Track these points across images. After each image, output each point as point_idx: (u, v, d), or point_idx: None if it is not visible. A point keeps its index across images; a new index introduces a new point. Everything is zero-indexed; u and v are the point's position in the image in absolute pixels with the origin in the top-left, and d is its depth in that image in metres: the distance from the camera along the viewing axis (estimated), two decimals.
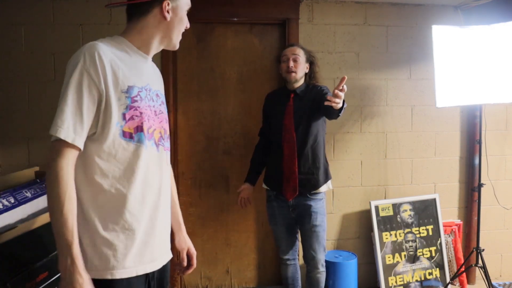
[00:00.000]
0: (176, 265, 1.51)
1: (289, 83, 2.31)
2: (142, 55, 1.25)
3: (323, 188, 2.28)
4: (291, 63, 2.27)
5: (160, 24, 1.23)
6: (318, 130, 2.27)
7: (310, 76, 2.36)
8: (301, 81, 2.33)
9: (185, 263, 1.44)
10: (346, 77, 1.73)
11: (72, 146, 1.08)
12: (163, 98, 1.33)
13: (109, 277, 1.13)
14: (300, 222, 2.31)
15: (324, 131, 2.35)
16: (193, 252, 1.46)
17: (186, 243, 1.45)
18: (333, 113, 2.00)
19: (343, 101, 1.88)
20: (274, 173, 2.34)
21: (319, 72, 2.39)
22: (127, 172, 1.15)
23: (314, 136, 2.25)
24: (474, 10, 2.91)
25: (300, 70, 2.29)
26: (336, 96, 1.78)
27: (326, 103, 1.83)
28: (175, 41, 1.29)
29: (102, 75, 1.10)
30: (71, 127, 1.07)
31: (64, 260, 1.03)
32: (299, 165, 2.24)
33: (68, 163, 1.07)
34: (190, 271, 1.45)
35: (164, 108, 1.32)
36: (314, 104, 2.21)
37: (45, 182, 1.09)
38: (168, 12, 1.22)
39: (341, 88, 1.76)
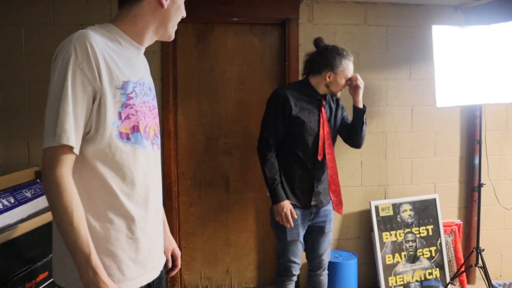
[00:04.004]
0: None
1: (326, 93, 2.15)
2: (136, 46, 1.13)
3: None
4: (351, 91, 2.19)
5: (156, 12, 1.10)
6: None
7: None
8: None
9: (170, 265, 1.36)
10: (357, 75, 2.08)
11: (72, 152, 0.97)
12: (154, 92, 1.23)
13: None
14: (316, 228, 2.19)
15: None
16: (178, 252, 1.38)
17: (171, 244, 1.36)
18: (357, 130, 2.17)
19: (365, 120, 2.18)
20: (304, 188, 2.12)
21: None
22: (127, 176, 1.06)
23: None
24: (474, 10, 2.91)
25: None
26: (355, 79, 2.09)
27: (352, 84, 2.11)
28: (171, 31, 1.17)
29: (97, 70, 0.98)
30: (73, 132, 0.96)
31: (85, 273, 0.96)
32: (323, 177, 2.17)
33: (68, 172, 0.97)
34: (175, 272, 1.38)
35: (156, 103, 1.22)
36: (338, 117, 2.24)
37: (45, 193, 0.99)
38: None
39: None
